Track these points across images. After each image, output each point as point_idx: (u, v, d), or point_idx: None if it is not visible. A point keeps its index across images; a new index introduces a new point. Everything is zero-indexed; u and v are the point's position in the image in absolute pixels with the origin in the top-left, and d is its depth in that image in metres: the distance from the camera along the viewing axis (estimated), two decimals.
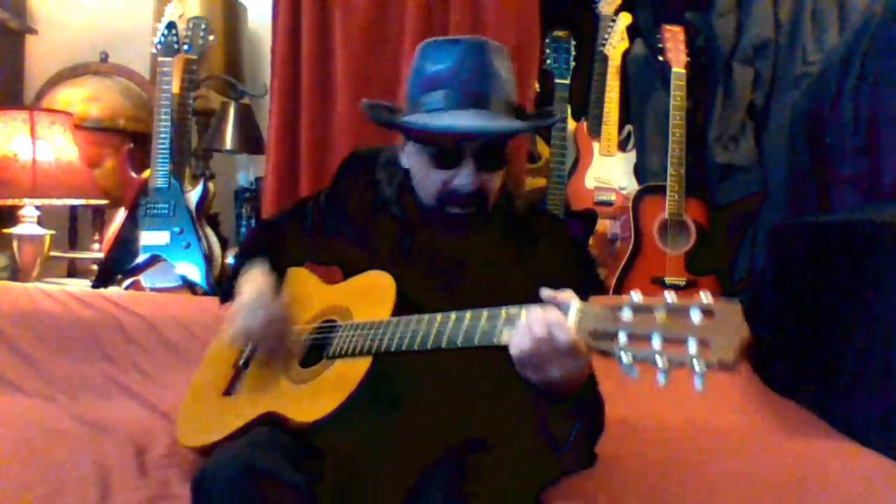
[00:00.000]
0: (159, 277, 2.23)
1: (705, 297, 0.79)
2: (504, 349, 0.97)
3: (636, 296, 0.84)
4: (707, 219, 2.32)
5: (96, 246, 2.61)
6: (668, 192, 2.26)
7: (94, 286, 2.23)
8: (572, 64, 2.35)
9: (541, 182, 2.45)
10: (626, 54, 2.51)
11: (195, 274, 2.22)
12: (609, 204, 2.44)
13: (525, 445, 1.12)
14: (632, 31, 2.52)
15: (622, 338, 0.83)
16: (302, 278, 1.41)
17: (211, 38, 2.36)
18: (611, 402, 1.71)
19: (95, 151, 2.56)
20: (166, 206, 2.25)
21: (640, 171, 2.51)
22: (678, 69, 2.31)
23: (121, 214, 2.35)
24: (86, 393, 1.78)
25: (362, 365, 1.13)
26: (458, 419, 1.16)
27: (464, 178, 1.16)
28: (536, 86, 2.35)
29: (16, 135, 2.25)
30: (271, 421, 1.18)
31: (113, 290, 2.14)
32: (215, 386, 1.35)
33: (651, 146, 2.56)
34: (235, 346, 1.32)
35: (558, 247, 1.27)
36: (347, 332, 1.19)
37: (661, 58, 2.34)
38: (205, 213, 2.36)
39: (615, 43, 2.48)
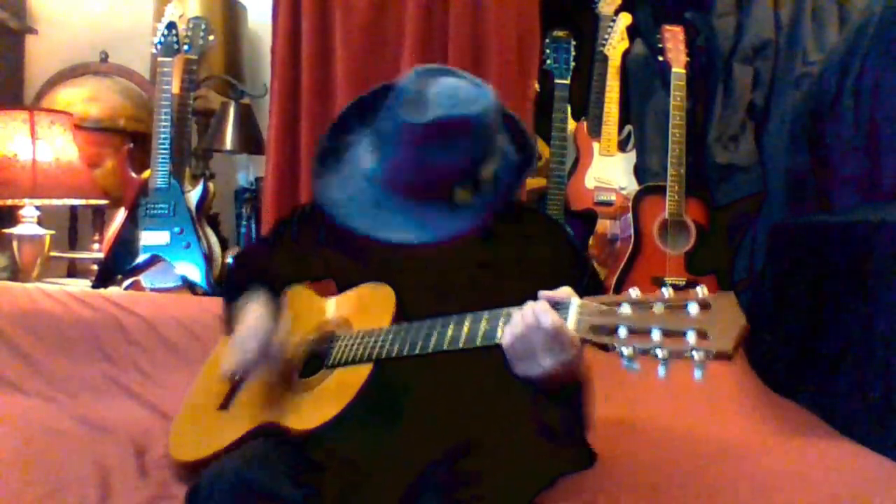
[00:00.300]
0: (159, 277, 2.23)
1: (701, 290, 0.81)
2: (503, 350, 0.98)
3: (634, 292, 0.86)
4: (707, 219, 2.32)
5: (96, 246, 2.61)
6: (668, 192, 2.26)
7: (94, 286, 2.23)
8: (572, 64, 2.35)
9: (541, 182, 2.45)
10: (626, 54, 2.51)
11: (195, 274, 2.22)
12: (609, 204, 2.44)
13: (523, 449, 1.11)
14: (632, 31, 2.52)
15: (622, 332, 0.84)
16: (300, 293, 1.40)
17: (211, 38, 2.36)
18: (610, 403, 1.72)
19: (95, 151, 2.56)
20: (166, 206, 2.25)
21: (640, 171, 2.51)
22: (678, 69, 2.31)
23: (121, 214, 2.35)
24: (86, 393, 1.78)
25: (363, 372, 1.13)
26: (459, 426, 1.15)
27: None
28: (536, 86, 2.35)
29: (16, 135, 2.25)
30: (269, 432, 1.16)
31: (113, 290, 2.15)
32: (211, 401, 1.33)
33: (651, 146, 2.56)
34: (233, 379, 1.30)
35: (555, 248, 1.28)
36: (347, 342, 1.19)
37: (661, 58, 2.33)
38: (205, 213, 2.36)
39: (615, 43, 2.48)
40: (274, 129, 2.20)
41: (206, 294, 2.19)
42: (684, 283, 2.24)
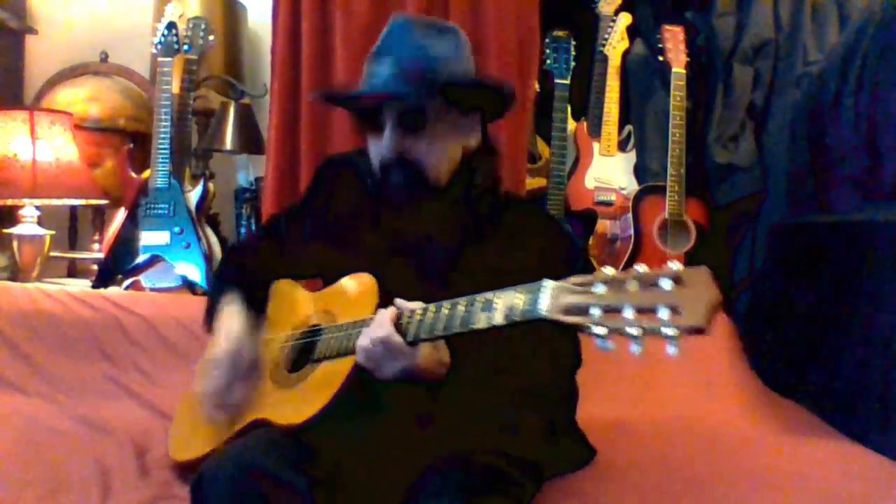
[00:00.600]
0: (159, 277, 2.23)
1: (674, 265, 0.79)
2: (480, 333, 0.98)
3: (608, 270, 0.85)
4: (707, 219, 2.32)
5: (96, 246, 2.61)
6: (668, 192, 2.26)
7: (94, 286, 2.23)
8: (572, 64, 2.35)
9: (541, 182, 2.45)
10: (626, 54, 2.51)
11: (195, 274, 2.22)
12: (609, 204, 2.44)
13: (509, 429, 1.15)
14: (632, 31, 2.52)
15: (595, 311, 0.83)
16: (286, 288, 1.40)
17: (211, 38, 2.36)
18: (611, 403, 1.73)
19: (95, 151, 2.56)
20: (166, 206, 2.25)
21: (640, 171, 2.51)
22: (678, 69, 2.31)
23: (121, 214, 2.35)
24: (86, 393, 1.78)
25: (346, 364, 1.13)
26: (444, 415, 1.16)
27: (384, 143, 1.23)
28: (536, 86, 2.35)
29: (16, 135, 2.25)
30: (259, 427, 1.17)
31: (113, 290, 2.14)
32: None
33: (651, 146, 2.56)
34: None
35: (547, 238, 1.29)
36: (331, 335, 1.19)
37: (661, 58, 2.33)
38: (205, 213, 2.36)
39: (615, 43, 2.48)
40: (274, 129, 2.20)
41: (206, 294, 2.19)
42: None
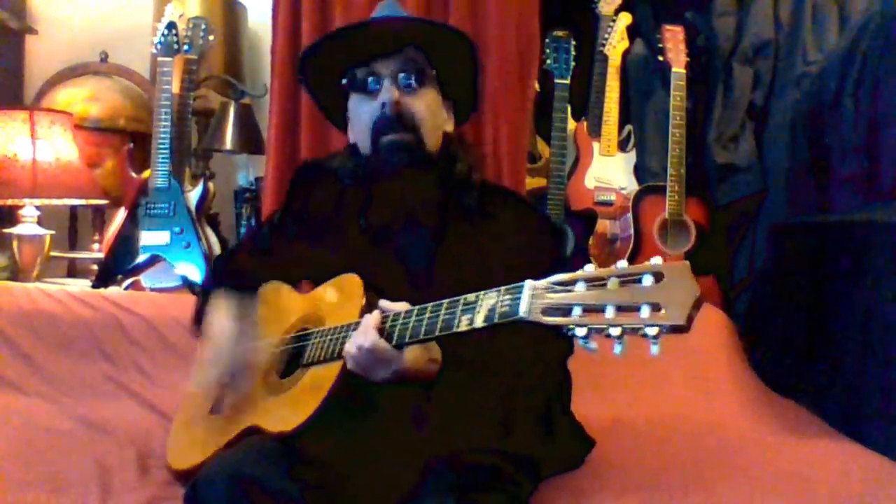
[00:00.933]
0: (159, 277, 2.23)
1: (655, 260, 0.79)
2: (463, 335, 0.98)
3: (589, 267, 0.84)
4: (707, 219, 2.32)
5: (96, 246, 2.60)
6: (668, 192, 2.26)
7: (94, 286, 2.23)
8: (572, 64, 2.35)
9: (541, 182, 2.45)
10: (626, 54, 2.51)
11: (195, 274, 2.22)
12: (609, 204, 2.44)
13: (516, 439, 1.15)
14: (632, 31, 2.52)
15: (576, 311, 0.82)
16: (276, 291, 1.40)
17: (211, 38, 2.36)
18: (610, 402, 1.73)
19: (95, 151, 2.56)
20: (166, 206, 2.25)
21: (640, 171, 2.51)
22: (678, 69, 2.31)
23: (121, 214, 2.35)
24: (86, 393, 1.78)
25: (334, 369, 1.12)
26: (438, 413, 1.16)
27: (384, 94, 1.24)
28: (536, 86, 2.35)
29: (16, 135, 2.25)
30: (253, 435, 1.17)
31: (113, 290, 2.14)
32: (203, 406, 1.34)
33: (651, 146, 2.56)
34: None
35: (530, 234, 1.29)
36: (319, 339, 1.19)
37: (661, 58, 2.33)
38: (205, 213, 2.36)
39: (615, 43, 2.48)
40: (274, 129, 2.20)
41: (196, 296, 2.19)
42: None
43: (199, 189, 2.30)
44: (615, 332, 0.78)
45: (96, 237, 2.63)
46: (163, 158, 2.25)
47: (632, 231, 2.28)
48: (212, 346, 1.28)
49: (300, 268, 1.38)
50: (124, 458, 1.43)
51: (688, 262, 0.78)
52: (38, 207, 2.32)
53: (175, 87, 2.31)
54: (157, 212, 2.25)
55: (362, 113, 1.28)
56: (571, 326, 0.82)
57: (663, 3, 2.66)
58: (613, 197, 2.45)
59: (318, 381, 1.14)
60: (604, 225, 2.42)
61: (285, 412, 1.15)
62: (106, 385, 1.82)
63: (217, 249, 2.32)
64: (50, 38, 2.87)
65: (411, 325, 1.03)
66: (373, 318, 1.06)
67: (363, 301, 1.16)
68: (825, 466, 1.40)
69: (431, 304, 1.02)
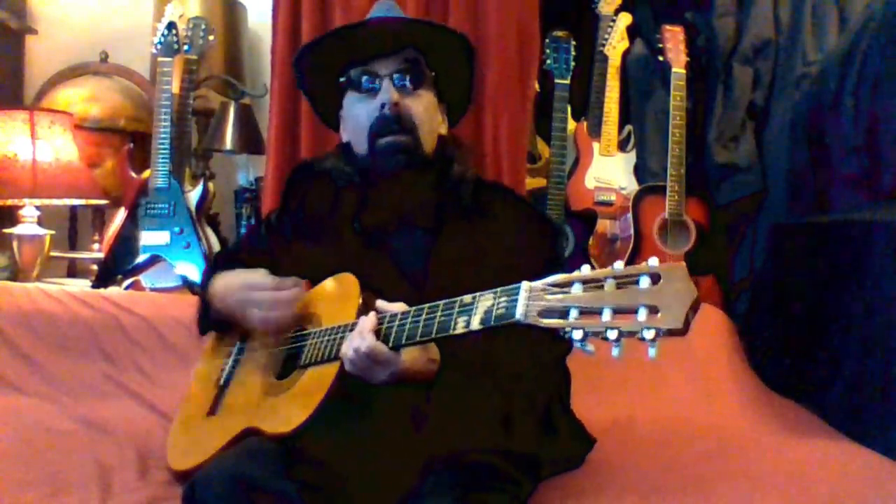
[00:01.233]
0: (159, 277, 2.23)
1: (652, 261, 0.78)
2: (459, 338, 0.98)
3: (586, 268, 0.84)
4: (707, 219, 2.32)
5: (96, 246, 2.61)
6: (668, 192, 2.26)
7: (94, 286, 2.23)
8: (572, 64, 2.35)
9: (541, 182, 2.45)
10: (626, 54, 2.51)
11: (195, 274, 2.22)
12: (609, 204, 2.44)
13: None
14: (632, 31, 2.52)
15: (573, 314, 0.82)
16: None
17: (211, 38, 2.36)
18: (610, 402, 1.73)
19: (95, 151, 2.56)
20: (166, 206, 2.25)
21: (640, 171, 2.51)
22: (678, 69, 2.31)
23: (121, 214, 2.35)
24: (86, 393, 1.78)
25: (331, 370, 1.12)
26: (438, 413, 1.15)
27: (383, 95, 1.24)
28: (536, 86, 2.35)
29: (16, 135, 2.25)
30: (251, 436, 1.17)
31: (113, 290, 2.14)
32: (201, 407, 1.34)
33: (651, 146, 2.56)
34: (231, 339, 1.31)
35: (517, 219, 1.30)
36: (316, 340, 1.19)
37: (661, 58, 2.34)
38: (205, 213, 2.36)
39: (615, 43, 2.48)
40: (274, 129, 2.20)
41: (198, 294, 2.19)
42: None
43: (199, 189, 2.30)
44: (612, 335, 0.78)
45: (96, 237, 2.63)
46: (163, 158, 2.25)
47: (632, 231, 2.28)
48: (235, 295, 1.27)
49: (297, 268, 1.37)
50: (124, 458, 1.43)
51: (684, 264, 0.78)
52: (38, 207, 2.32)
53: (175, 87, 2.31)
54: (157, 212, 2.25)
55: (359, 112, 1.28)
56: (568, 329, 0.81)
57: (663, 3, 2.66)
58: (613, 197, 2.45)
59: (315, 382, 1.14)
60: (604, 225, 2.42)
61: (283, 413, 1.15)
62: (106, 385, 1.82)
63: (217, 249, 2.32)
64: (50, 38, 2.87)
65: (408, 326, 1.02)
66: (369, 321, 1.06)
67: (360, 301, 1.16)
68: (825, 466, 1.40)
69: (428, 305, 1.01)
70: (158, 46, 2.31)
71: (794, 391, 1.90)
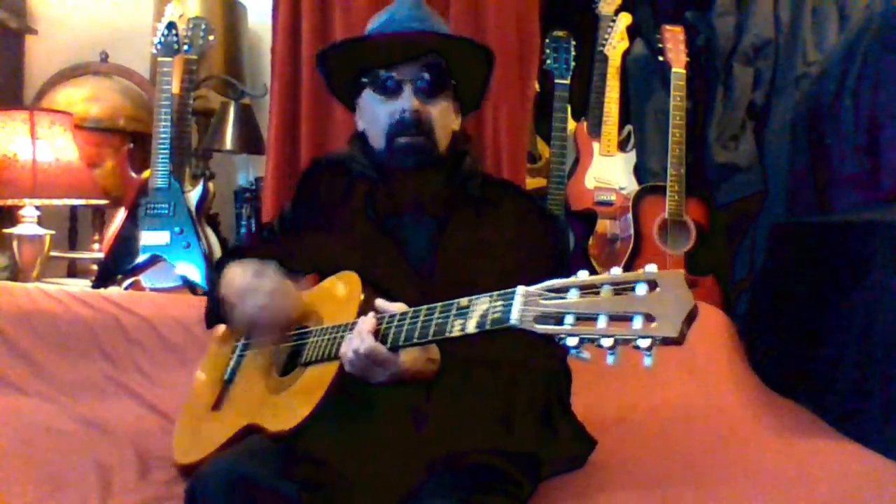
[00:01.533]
0: (159, 277, 2.23)
1: (650, 267, 0.78)
2: (455, 341, 0.98)
3: (583, 274, 0.83)
4: (707, 219, 2.32)
5: (96, 246, 2.61)
6: (668, 192, 2.26)
7: (94, 286, 2.23)
8: (572, 64, 2.35)
9: (541, 182, 2.45)
10: (626, 54, 2.51)
11: (195, 274, 2.22)
12: (609, 204, 2.44)
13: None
14: (632, 31, 2.52)
15: (568, 320, 0.81)
16: None
17: (211, 38, 2.36)
18: (610, 402, 1.73)
19: (95, 151, 2.56)
20: (166, 206, 2.25)
21: (640, 171, 2.51)
22: (678, 69, 2.31)
23: (121, 214, 2.35)
24: (86, 393, 1.78)
25: (331, 369, 1.13)
26: (438, 413, 1.16)
27: (405, 101, 1.25)
28: (536, 86, 2.34)
29: (16, 135, 2.25)
30: (252, 432, 1.18)
31: (113, 290, 2.14)
32: (205, 402, 1.35)
33: (651, 146, 2.56)
34: (236, 334, 1.32)
35: (521, 212, 1.31)
36: (317, 338, 1.19)
37: (661, 58, 2.33)
38: (205, 213, 2.36)
39: (615, 43, 2.48)
40: (274, 129, 2.20)
41: (206, 294, 2.19)
42: None
43: (199, 189, 2.30)
44: (607, 342, 0.77)
45: (96, 237, 2.64)
46: (163, 158, 2.25)
47: (632, 231, 2.28)
48: (236, 290, 1.27)
49: (307, 257, 1.39)
50: (124, 458, 1.43)
51: (682, 272, 0.77)
52: (38, 207, 2.32)
53: (175, 87, 2.31)
54: (157, 212, 2.25)
55: (379, 112, 1.29)
56: (563, 336, 0.81)
57: (663, 3, 2.66)
58: (613, 197, 2.45)
59: (315, 381, 1.15)
60: (604, 225, 2.42)
61: (283, 411, 1.15)
62: (106, 385, 1.82)
63: (217, 249, 2.32)
64: (50, 38, 2.87)
65: (405, 328, 1.03)
66: (368, 322, 1.06)
67: (361, 299, 1.17)
68: (825, 466, 1.40)
69: (426, 307, 1.02)
70: (158, 46, 2.31)
71: (794, 391, 1.90)
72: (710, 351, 1.91)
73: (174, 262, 2.23)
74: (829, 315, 1.95)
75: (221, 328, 1.47)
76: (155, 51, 2.32)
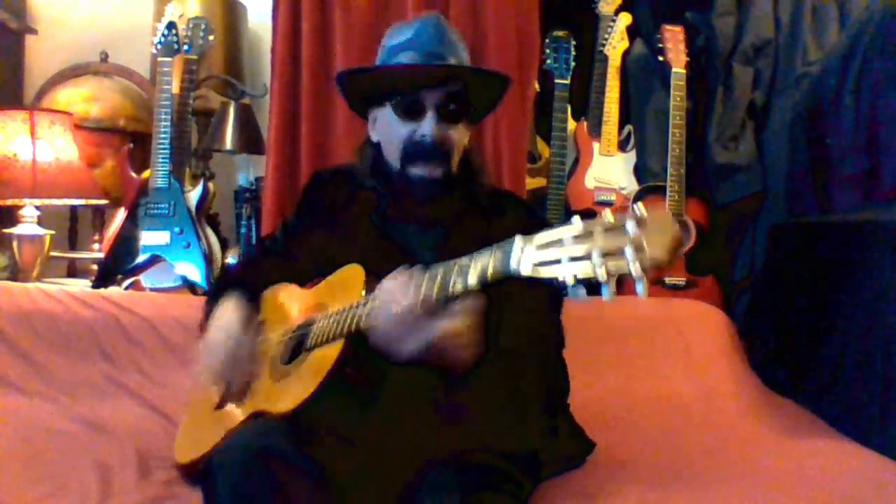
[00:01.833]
0: (159, 277, 2.23)
1: (638, 208, 0.82)
2: (457, 298, 0.98)
3: (576, 220, 0.86)
4: (707, 219, 2.32)
5: (96, 246, 2.61)
6: (668, 192, 2.26)
7: (94, 286, 2.23)
8: (572, 64, 2.35)
9: (541, 182, 2.45)
10: (626, 54, 2.51)
11: (195, 274, 2.22)
12: (609, 204, 2.44)
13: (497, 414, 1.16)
14: (632, 31, 2.52)
15: (565, 261, 0.84)
16: (281, 289, 1.41)
17: (211, 38, 2.36)
18: (610, 402, 1.72)
19: (95, 151, 2.56)
20: (166, 206, 2.25)
21: (640, 171, 2.51)
22: (678, 69, 2.31)
23: (121, 214, 2.35)
24: (86, 393, 1.78)
25: (336, 347, 1.13)
26: (441, 395, 1.16)
27: (426, 127, 1.25)
28: (536, 86, 2.34)
29: (16, 135, 2.25)
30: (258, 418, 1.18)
31: (113, 290, 2.14)
32: (208, 402, 1.35)
33: (651, 146, 2.56)
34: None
35: (523, 220, 1.33)
36: (322, 323, 1.20)
37: (661, 58, 2.34)
38: (205, 213, 2.36)
39: (615, 43, 2.48)
40: (274, 129, 2.20)
41: (206, 294, 2.19)
42: (684, 282, 2.24)
43: (199, 189, 2.30)
44: (601, 275, 0.81)
45: (96, 237, 2.64)
46: (163, 158, 2.25)
47: None
48: (218, 333, 1.29)
49: (311, 263, 1.39)
50: (124, 458, 1.43)
51: (669, 212, 0.82)
52: (38, 207, 2.32)
53: (175, 87, 2.31)
54: (157, 212, 2.25)
55: (399, 131, 1.29)
56: (561, 278, 0.84)
57: (663, 3, 2.66)
58: (613, 197, 2.45)
59: (319, 360, 1.16)
60: None
61: (288, 393, 1.16)
62: (106, 385, 1.82)
63: (217, 249, 2.32)
64: (50, 38, 2.87)
65: (424, 288, 1.02)
66: (403, 275, 1.04)
67: (363, 290, 1.17)
68: (825, 466, 1.40)
69: (428, 272, 1.02)
70: (158, 46, 2.31)
71: (794, 391, 1.90)
72: (710, 351, 1.91)
73: (174, 262, 2.23)
74: (829, 315, 1.95)
75: None
76: (155, 51, 2.33)
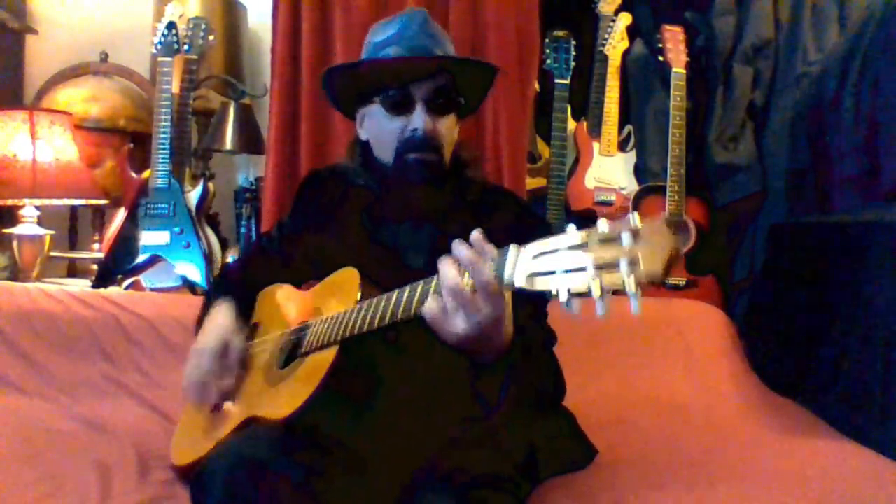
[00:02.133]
0: (159, 277, 2.24)
1: (633, 218, 0.79)
2: None
3: (571, 229, 0.84)
4: (707, 219, 2.32)
5: (96, 246, 2.61)
6: (668, 192, 2.26)
7: (94, 286, 2.23)
8: (572, 64, 2.35)
9: (541, 182, 2.45)
10: (626, 54, 2.51)
11: (195, 274, 2.22)
12: (609, 204, 2.44)
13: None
14: (632, 31, 2.52)
15: (559, 274, 0.82)
16: (277, 290, 1.41)
17: (211, 38, 2.36)
18: (610, 402, 1.73)
19: (95, 151, 2.56)
20: (166, 206, 2.25)
21: (640, 171, 2.51)
22: (678, 69, 2.31)
23: (121, 214, 2.35)
24: (86, 393, 1.78)
25: (329, 354, 1.13)
26: (436, 401, 1.16)
27: (417, 120, 1.26)
28: (536, 86, 2.35)
29: (16, 135, 2.25)
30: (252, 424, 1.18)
31: (113, 290, 2.14)
32: (205, 406, 1.34)
33: (651, 146, 2.56)
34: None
35: (515, 217, 1.33)
36: (317, 328, 1.20)
37: (661, 58, 2.34)
38: (205, 213, 2.36)
39: (615, 43, 2.48)
40: (274, 129, 2.20)
41: (204, 294, 2.19)
42: (684, 283, 2.24)
43: (199, 189, 2.30)
44: (595, 292, 0.79)
45: (96, 237, 2.64)
46: (163, 158, 2.25)
47: None
48: (206, 340, 1.29)
49: (306, 262, 1.39)
50: (124, 458, 1.43)
51: (664, 220, 0.80)
52: (38, 207, 2.32)
53: (175, 87, 2.31)
54: (157, 212, 2.25)
55: (389, 127, 1.30)
56: (554, 291, 0.82)
57: (663, 3, 2.66)
58: (613, 197, 2.45)
59: (314, 366, 1.15)
60: None
61: (282, 399, 1.16)
62: (106, 385, 1.82)
63: (217, 249, 2.32)
64: (50, 38, 2.87)
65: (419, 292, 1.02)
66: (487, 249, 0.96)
67: (359, 294, 1.17)
68: (825, 466, 1.40)
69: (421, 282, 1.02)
70: (158, 46, 2.31)
71: (794, 391, 1.90)
72: (710, 351, 1.91)
73: (174, 262, 2.23)
74: (829, 315, 1.95)
75: None
76: (155, 51, 2.33)
